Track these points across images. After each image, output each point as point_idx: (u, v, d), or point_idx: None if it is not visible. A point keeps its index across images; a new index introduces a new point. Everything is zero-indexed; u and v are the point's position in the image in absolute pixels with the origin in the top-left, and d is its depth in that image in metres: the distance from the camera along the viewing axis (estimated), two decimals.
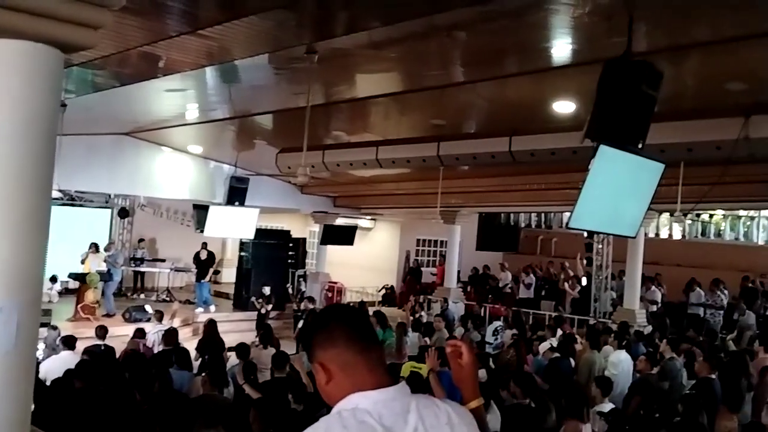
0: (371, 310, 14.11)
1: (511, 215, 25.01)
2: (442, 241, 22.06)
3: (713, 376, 7.97)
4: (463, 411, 2.17)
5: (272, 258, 18.74)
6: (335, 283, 20.56)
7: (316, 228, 20.95)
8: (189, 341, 11.97)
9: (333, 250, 20.57)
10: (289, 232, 21.10)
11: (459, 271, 19.70)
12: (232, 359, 9.31)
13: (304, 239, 23.08)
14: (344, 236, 19.72)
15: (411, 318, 13.94)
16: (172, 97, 10.70)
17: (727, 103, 7.99)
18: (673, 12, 6.16)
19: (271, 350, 9.30)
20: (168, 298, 18.53)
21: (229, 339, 11.12)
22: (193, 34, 6.51)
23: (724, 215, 23.02)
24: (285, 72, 8.60)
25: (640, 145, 5.34)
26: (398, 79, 9.27)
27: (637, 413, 6.69)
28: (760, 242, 22.35)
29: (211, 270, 18.08)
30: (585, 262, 17.51)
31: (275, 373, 7.73)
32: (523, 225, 25.69)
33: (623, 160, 5.31)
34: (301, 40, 6.86)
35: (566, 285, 17.77)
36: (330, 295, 20.10)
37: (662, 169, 5.73)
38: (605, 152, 5.20)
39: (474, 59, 8.05)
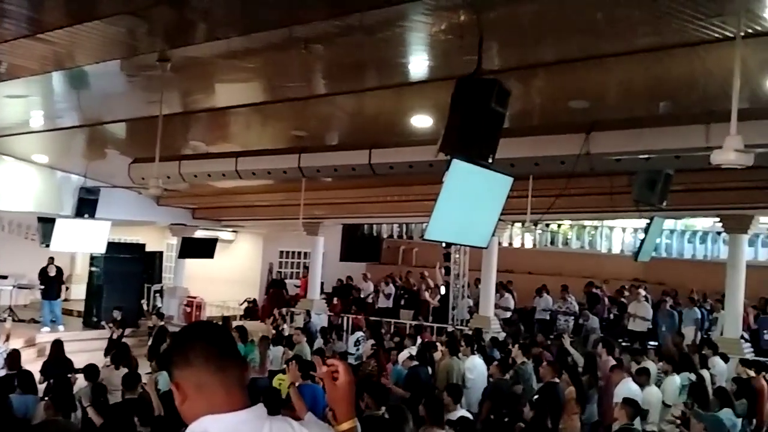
0: (234, 324, 13.81)
1: (374, 226, 25.33)
2: (305, 253, 21.98)
3: (557, 380, 8.41)
4: None
5: (126, 273, 17.92)
6: (194, 297, 19.95)
7: (174, 241, 20.25)
8: (33, 363, 11.18)
9: (192, 264, 19.97)
10: (144, 245, 20.28)
11: (323, 283, 19.70)
12: (81, 381, 8.79)
13: (161, 253, 22.24)
14: (204, 249, 19.19)
15: (273, 331, 13.77)
16: (15, 103, 10.00)
17: (571, 120, 8.50)
18: (521, 33, 6.48)
19: (123, 370, 8.87)
20: (3, 318, 17.23)
21: (79, 359, 10.49)
22: (35, 38, 6.13)
23: (570, 225, 24.44)
24: (138, 79, 8.27)
25: (490, 160, 5.57)
26: (258, 89, 9.16)
27: (487, 418, 6.94)
28: (603, 250, 23.90)
29: (64, 287, 17.03)
30: (444, 271, 18.02)
31: (126, 394, 7.38)
32: (385, 236, 26.09)
33: (475, 174, 5.51)
34: (153, 48, 6.62)
35: (427, 294, 18.18)
36: (189, 310, 19.46)
37: (511, 182, 6.00)
38: (458, 166, 5.38)
39: (333, 72, 8.10)
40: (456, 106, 5.47)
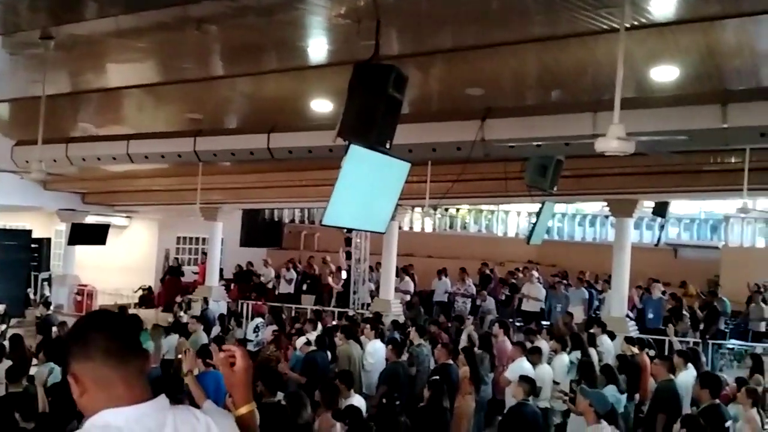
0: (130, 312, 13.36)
1: (275, 211, 25.07)
2: (203, 239, 21.49)
3: (450, 362, 8.61)
4: (226, 420, 2.13)
5: (10, 260, 17.02)
6: (85, 285, 19.17)
7: (63, 227, 19.35)
8: None
9: (83, 251, 19.15)
10: (30, 231, 19.28)
11: (222, 269, 19.34)
12: None
13: (49, 239, 21.21)
14: (95, 235, 18.43)
15: (170, 320, 13.42)
16: None
17: (467, 107, 8.66)
18: (419, 20, 6.54)
19: (7, 363, 8.41)
20: None
21: None
22: None
23: (468, 209, 25.02)
24: (19, 57, 7.82)
25: (388, 145, 5.60)
26: (151, 69, 8.85)
27: (380, 402, 7.03)
28: (500, 234, 24.61)
29: None
30: (345, 255, 18.07)
31: (9, 387, 7.01)
32: (286, 221, 25.88)
33: (373, 159, 5.54)
34: (36, 25, 6.27)
35: (329, 279, 18.17)
36: (80, 298, 18.69)
37: (408, 167, 6.06)
38: (356, 152, 5.39)
39: (230, 54, 7.93)
40: (354, 91, 5.46)
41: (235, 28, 6.61)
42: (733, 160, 10.66)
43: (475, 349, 9.57)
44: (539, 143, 7.99)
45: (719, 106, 6.88)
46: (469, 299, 16.47)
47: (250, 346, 11.11)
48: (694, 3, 6.15)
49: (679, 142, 6.87)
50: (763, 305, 14.35)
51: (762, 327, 14.08)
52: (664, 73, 7.56)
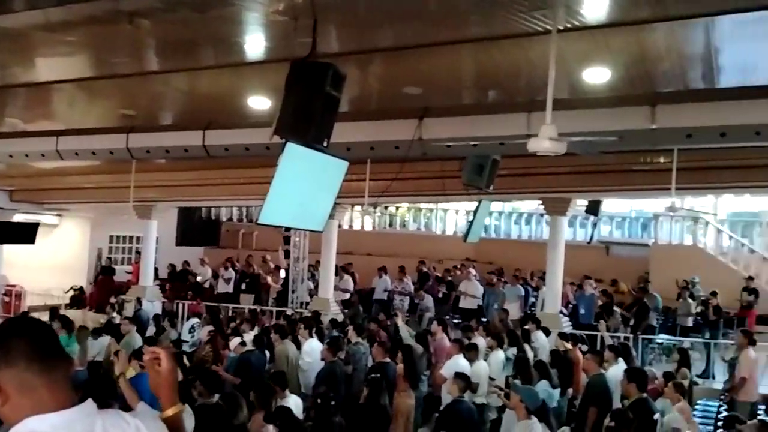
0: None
1: (212, 209, 24.72)
2: (138, 238, 21.02)
3: (388, 360, 8.65)
4: (155, 423, 2.12)
5: None
6: (14, 286, 18.52)
7: None
8: None
9: (11, 250, 18.50)
10: None
11: (157, 269, 18.95)
12: None
13: None
14: (24, 234, 17.77)
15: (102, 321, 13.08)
16: None
17: (405, 106, 8.70)
18: (357, 18, 6.53)
19: None
20: None
21: None
22: None
23: (408, 208, 25.17)
24: None
25: (325, 143, 5.58)
26: (83, 64, 8.57)
27: (314, 402, 7.01)
28: (438, 232, 24.84)
29: None
30: (284, 254, 17.95)
31: None
32: (224, 219, 25.54)
33: (310, 158, 5.51)
34: None
35: (269, 278, 18.00)
36: (7, 299, 18.05)
37: (346, 166, 6.05)
38: (292, 150, 5.35)
39: (165, 49, 7.75)
40: (290, 89, 5.43)
41: (169, 23, 6.47)
42: (662, 160, 11.02)
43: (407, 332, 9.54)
44: (475, 143, 8.08)
45: (648, 107, 7.09)
46: (407, 297, 16.57)
47: (186, 347, 10.92)
48: (625, 6, 6.30)
49: (609, 143, 7.04)
50: (690, 301, 14.86)
51: (689, 322, 14.58)
52: (597, 75, 7.74)
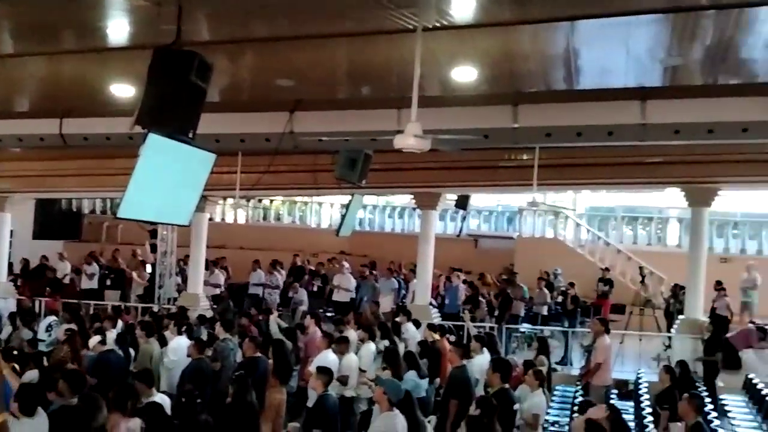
0: None
1: (73, 201, 23.47)
2: None
3: (259, 354, 8.54)
4: None
5: None
6: None
7: None
8: None
9: None
10: None
11: (11, 264, 17.76)
12: None
13: None
14: None
15: None
16: None
17: (277, 98, 8.59)
18: (228, 8, 6.37)
19: None
20: None
21: None
22: None
23: (282, 201, 24.95)
24: None
25: (190, 135, 5.42)
26: None
27: (178, 400, 6.81)
28: (313, 225, 24.80)
29: None
30: (150, 248, 17.31)
31: None
32: (86, 211, 24.30)
33: (174, 149, 5.33)
34: None
35: (134, 273, 17.28)
36: None
37: (213, 158, 5.90)
38: (155, 141, 5.15)
39: (21, 31, 7.27)
40: (153, 77, 5.22)
41: (26, 4, 6.07)
42: (525, 157, 11.51)
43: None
44: (347, 138, 8.11)
45: (511, 107, 7.35)
46: (277, 291, 16.44)
47: (42, 347, 10.29)
48: (490, 8, 6.50)
49: (472, 141, 7.25)
50: (546, 291, 15.60)
51: (544, 311, 15.33)
52: (464, 74, 7.96)
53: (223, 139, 8.00)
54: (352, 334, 10.45)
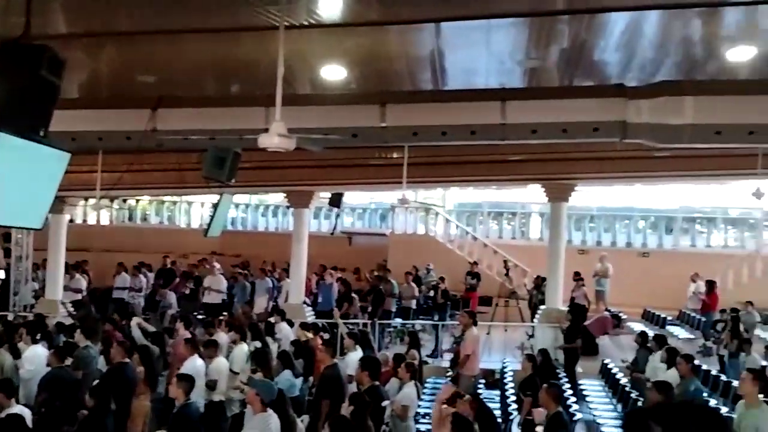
0: None
1: None
2: None
3: (127, 360, 8.21)
4: None
5: None
6: None
7: None
8: None
9: None
10: None
11: None
12: None
13: None
14: None
15: None
16: None
17: (138, 94, 8.27)
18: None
19: None
20: None
21: None
22: None
23: (149, 200, 24.06)
24: None
25: (42, 133, 5.11)
26: None
27: (39, 411, 6.45)
28: (183, 225, 24.10)
29: None
30: (3, 252, 16.22)
31: None
32: None
33: (23, 148, 5.00)
34: None
35: None
36: None
37: (68, 157, 5.58)
38: (3, 139, 4.82)
39: None
40: (0, 73, 4.88)
41: None
42: (395, 156, 11.70)
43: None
44: (213, 136, 7.93)
45: (378, 106, 7.44)
46: (142, 294, 15.86)
47: None
48: (357, 8, 6.56)
49: (339, 140, 7.29)
50: (413, 285, 15.95)
51: (413, 305, 15.68)
52: (333, 73, 7.98)
53: (79, 138, 7.59)
54: (223, 336, 10.25)
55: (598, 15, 6.66)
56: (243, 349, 9.80)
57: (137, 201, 23.88)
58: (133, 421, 7.76)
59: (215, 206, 11.93)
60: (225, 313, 13.27)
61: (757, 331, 14.26)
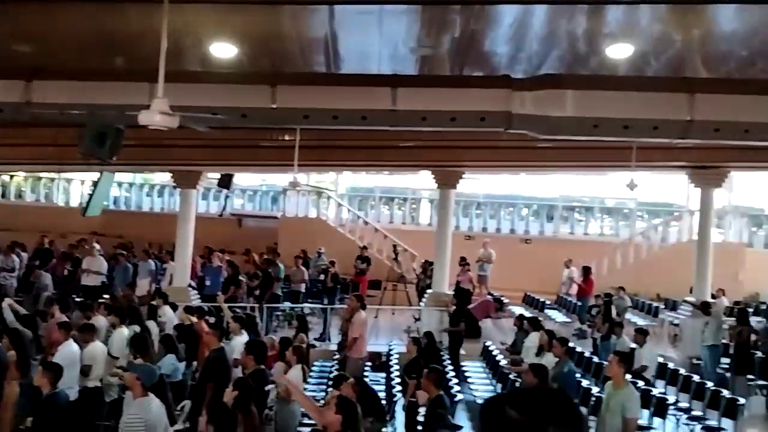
0: None
1: None
2: None
3: None
4: None
5: None
6: None
7: None
8: None
9: None
10: None
11: None
12: None
13: None
14: None
15: None
16: None
17: (13, 64, 7.77)
18: None
19: None
20: None
21: None
22: None
23: (24, 177, 22.76)
24: None
25: None
26: None
27: None
28: (61, 203, 22.94)
29: None
30: None
31: None
32: None
33: None
34: None
35: None
36: None
37: None
38: None
39: None
40: None
41: None
42: (287, 138, 11.57)
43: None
44: (92, 111, 7.56)
45: (269, 87, 7.33)
46: (14, 275, 14.99)
47: None
48: None
49: (225, 120, 7.13)
50: (303, 269, 15.91)
51: (302, 288, 15.65)
52: (223, 50, 7.79)
53: None
54: (102, 320, 9.87)
55: (488, 6, 6.82)
56: (123, 333, 9.46)
57: (11, 177, 22.52)
58: (5, 407, 7.37)
59: (95, 185, 11.40)
60: (106, 296, 12.76)
61: (629, 315, 15.12)
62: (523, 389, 4.75)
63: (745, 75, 8.38)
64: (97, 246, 15.82)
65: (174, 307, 11.47)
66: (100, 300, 11.51)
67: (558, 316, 16.12)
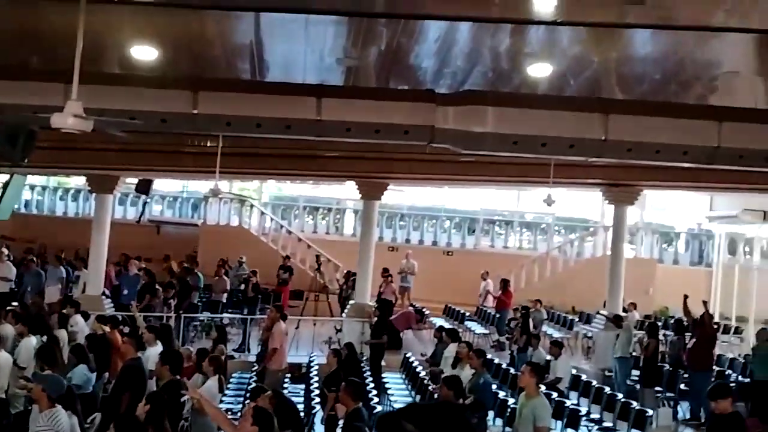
0: None
1: None
2: None
3: None
4: None
5: None
6: None
7: None
8: None
9: None
10: None
11: None
12: None
13: None
14: None
15: None
16: None
17: None
18: None
19: None
20: None
21: None
22: None
23: None
24: None
25: None
26: None
27: None
28: None
29: None
30: None
31: None
32: None
33: None
34: None
35: None
36: None
37: None
38: None
39: None
40: None
41: None
42: (209, 144, 11.37)
43: None
44: (1, 111, 7.24)
45: (191, 92, 7.19)
46: None
47: None
48: None
49: (142, 125, 6.94)
50: (225, 278, 15.70)
51: (224, 298, 15.41)
52: (143, 53, 7.61)
53: None
54: (9, 328, 9.44)
55: (414, 21, 6.89)
56: (30, 342, 9.08)
57: None
58: None
59: (4, 186, 10.90)
60: (15, 303, 12.22)
61: (545, 328, 15.47)
62: (417, 404, 4.82)
63: (657, 97, 8.77)
64: (6, 251, 15.12)
65: (86, 316, 11.07)
66: (8, 308, 10.99)
67: (477, 327, 16.35)
